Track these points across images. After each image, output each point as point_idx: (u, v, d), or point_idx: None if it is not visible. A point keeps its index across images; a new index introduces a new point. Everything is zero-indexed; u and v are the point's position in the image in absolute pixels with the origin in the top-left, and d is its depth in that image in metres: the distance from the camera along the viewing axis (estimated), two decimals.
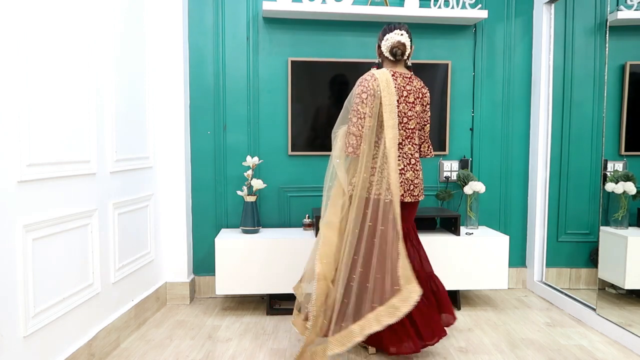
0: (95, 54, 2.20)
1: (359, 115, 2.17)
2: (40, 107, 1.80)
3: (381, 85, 2.17)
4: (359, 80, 2.23)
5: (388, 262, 2.12)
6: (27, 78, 1.72)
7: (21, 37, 1.69)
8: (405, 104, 2.23)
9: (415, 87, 2.27)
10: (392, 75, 2.22)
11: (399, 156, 2.23)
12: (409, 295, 2.05)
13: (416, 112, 2.27)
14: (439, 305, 2.36)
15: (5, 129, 1.63)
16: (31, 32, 1.75)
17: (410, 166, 2.26)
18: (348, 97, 2.28)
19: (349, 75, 3.13)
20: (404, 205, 2.25)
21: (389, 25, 2.28)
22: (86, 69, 2.12)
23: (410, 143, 2.26)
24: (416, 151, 2.30)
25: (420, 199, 2.33)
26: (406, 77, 2.26)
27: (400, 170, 2.23)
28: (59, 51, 1.92)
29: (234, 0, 3.10)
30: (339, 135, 2.27)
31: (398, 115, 2.21)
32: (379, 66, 2.35)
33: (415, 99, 2.26)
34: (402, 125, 2.24)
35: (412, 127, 2.26)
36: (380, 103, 2.16)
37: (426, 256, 2.41)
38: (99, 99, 2.24)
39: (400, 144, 2.24)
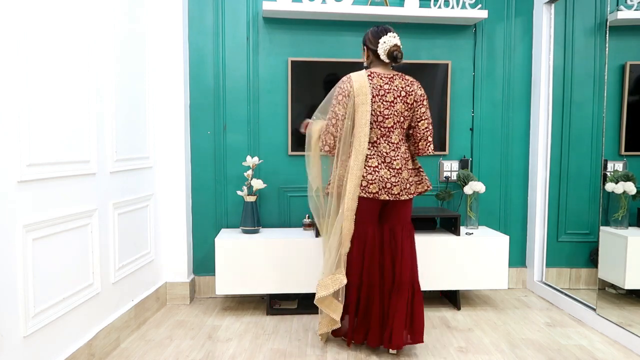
0: (95, 54, 2.20)
1: (337, 117, 2.28)
2: (40, 107, 1.80)
3: (354, 86, 2.25)
4: (338, 82, 2.33)
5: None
6: (27, 78, 1.72)
7: (21, 37, 1.69)
8: (382, 103, 2.25)
9: (396, 86, 2.28)
10: (369, 75, 2.28)
11: (373, 154, 2.27)
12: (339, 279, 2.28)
13: (396, 111, 2.27)
14: (394, 317, 2.26)
15: (5, 129, 1.63)
16: (31, 32, 1.75)
17: (385, 164, 2.27)
18: (330, 92, 2.36)
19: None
20: (380, 202, 2.30)
21: (378, 28, 2.29)
22: (86, 69, 2.12)
23: (387, 141, 2.28)
24: (395, 149, 2.29)
25: (401, 198, 2.28)
26: (385, 77, 2.28)
27: (373, 167, 2.26)
28: (59, 51, 1.92)
29: (234, 0, 3.10)
30: (315, 130, 2.41)
31: (373, 114, 2.26)
32: (367, 68, 2.37)
33: (395, 98, 2.26)
34: (378, 123, 2.27)
35: (388, 125, 2.27)
36: (354, 103, 2.24)
37: (409, 263, 2.29)
38: (99, 99, 2.24)
39: (375, 142, 2.28)
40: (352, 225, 2.27)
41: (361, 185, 2.25)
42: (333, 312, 2.29)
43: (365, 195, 2.25)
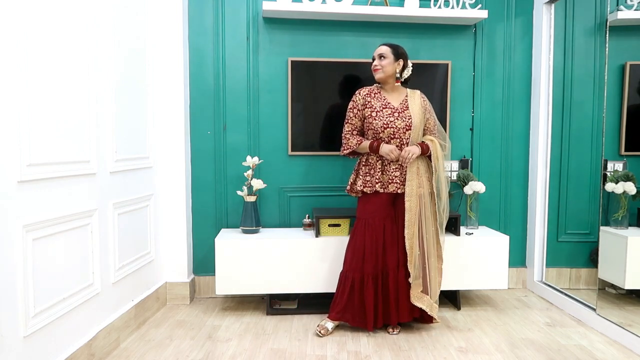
0: (95, 54, 2.20)
1: None
2: (40, 107, 1.80)
3: None
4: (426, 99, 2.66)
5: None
6: (27, 78, 1.72)
7: (21, 37, 1.69)
8: None
9: None
10: None
11: None
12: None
13: None
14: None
15: (5, 129, 1.63)
16: (31, 32, 1.75)
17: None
18: (432, 110, 2.65)
19: (349, 75, 3.13)
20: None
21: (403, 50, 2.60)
22: (86, 69, 2.12)
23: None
24: None
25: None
26: None
27: None
28: (59, 51, 1.92)
29: (234, 0, 3.10)
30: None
31: None
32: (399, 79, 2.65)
33: None
34: None
35: None
36: None
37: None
38: (99, 99, 2.24)
39: None
40: None
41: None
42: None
43: None
